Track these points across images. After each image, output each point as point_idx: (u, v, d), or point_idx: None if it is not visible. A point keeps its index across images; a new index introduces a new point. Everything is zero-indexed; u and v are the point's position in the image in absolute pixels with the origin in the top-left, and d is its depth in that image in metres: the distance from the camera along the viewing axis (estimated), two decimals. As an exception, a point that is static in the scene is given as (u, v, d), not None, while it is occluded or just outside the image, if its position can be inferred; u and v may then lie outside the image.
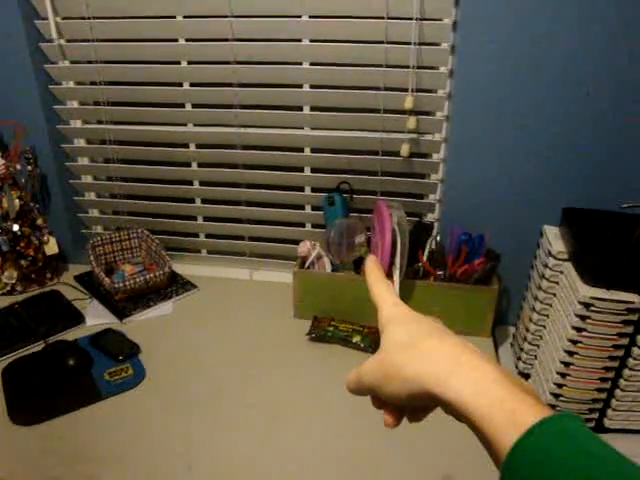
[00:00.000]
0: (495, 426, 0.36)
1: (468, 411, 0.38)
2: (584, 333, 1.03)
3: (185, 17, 1.34)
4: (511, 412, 0.36)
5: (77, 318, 1.35)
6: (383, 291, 0.52)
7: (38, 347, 1.25)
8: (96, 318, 1.36)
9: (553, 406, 1.09)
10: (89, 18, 1.34)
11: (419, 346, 0.43)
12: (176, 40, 1.37)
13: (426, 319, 0.47)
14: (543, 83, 1.18)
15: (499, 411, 0.36)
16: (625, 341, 1.02)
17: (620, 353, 1.03)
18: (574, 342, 1.04)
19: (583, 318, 1.02)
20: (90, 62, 1.41)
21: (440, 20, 1.23)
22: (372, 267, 0.54)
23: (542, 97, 1.19)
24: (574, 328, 1.03)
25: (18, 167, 1.42)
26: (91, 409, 1.09)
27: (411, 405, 0.46)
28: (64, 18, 1.38)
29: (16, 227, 1.41)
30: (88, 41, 1.37)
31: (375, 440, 1.02)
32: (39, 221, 1.47)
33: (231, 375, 1.18)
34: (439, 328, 0.45)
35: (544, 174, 1.26)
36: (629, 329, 1.01)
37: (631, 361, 1.02)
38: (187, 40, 1.37)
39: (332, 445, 1.02)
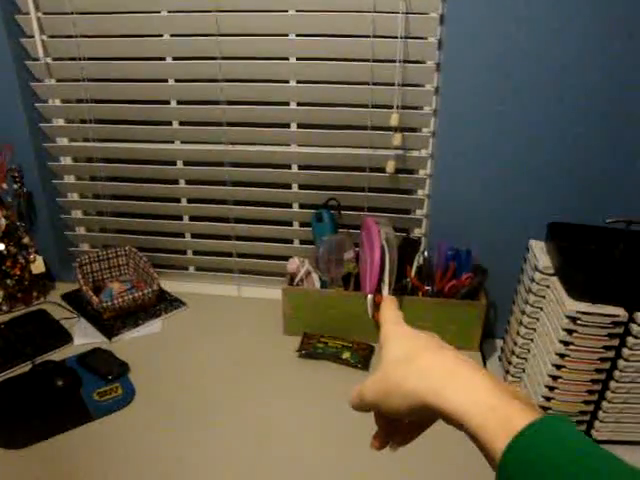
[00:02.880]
0: (489, 433, 0.38)
1: (463, 420, 0.40)
2: (571, 346, 1.04)
3: (172, 35, 1.35)
4: (502, 418, 0.38)
5: (65, 338, 1.34)
6: (387, 313, 0.54)
7: (25, 368, 1.23)
8: (84, 337, 1.35)
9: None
10: (76, 37, 1.34)
11: (415, 361, 0.45)
12: (163, 59, 1.38)
13: (423, 334, 0.49)
14: (529, 100, 1.20)
15: (491, 418, 0.38)
16: (611, 354, 1.04)
17: (607, 366, 1.05)
18: (561, 355, 1.05)
19: (570, 332, 1.03)
20: (76, 80, 1.41)
21: (425, 38, 1.25)
22: (390, 305, 0.56)
23: (528, 114, 1.22)
24: (561, 342, 1.04)
25: (4, 186, 1.42)
26: (81, 430, 1.08)
27: (411, 419, 0.49)
28: (51, 36, 1.38)
29: (2, 246, 1.40)
30: (75, 59, 1.38)
31: (367, 457, 1.02)
32: (25, 240, 1.46)
33: (221, 393, 1.18)
34: (435, 342, 0.48)
35: (530, 189, 1.29)
36: (615, 342, 1.02)
37: (617, 373, 1.04)
38: (174, 59, 1.38)
39: (323, 462, 1.02)
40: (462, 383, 0.41)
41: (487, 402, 0.39)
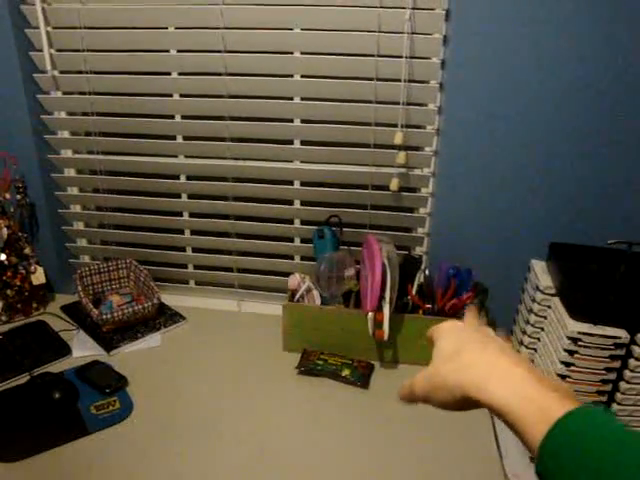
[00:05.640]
0: (528, 423, 0.40)
1: (504, 412, 0.42)
2: (572, 367, 1.04)
3: (179, 51, 1.36)
4: (541, 409, 0.40)
5: (63, 349, 1.33)
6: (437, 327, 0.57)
7: (23, 379, 1.22)
8: (83, 350, 1.34)
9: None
10: (83, 51, 1.36)
11: (461, 357, 0.48)
12: (169, 73, 1.39)
13: (472, 327, 0.53)
14: (531, 120, 1.21)
15: (530, 409, 0.40)
16: (613, 376, 1.03)
17: (608, 388, 1.05)
18: (563, 377, 1.05)
19: (571, 353, 1.03)
20: (82, 93, 1.42)
21: (429, 58, 1.26)
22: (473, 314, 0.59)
23: (530, 134, 1.23)
24: (563, 363, 1.04)
25: (7, 196, 1.42)
26: (77, 444, 1.06)
27: (457, 410, 0.51)
28: (59, 50, 1.39)
29: (3, 256, 1.40)
30: (81, 73, 1.39)
31: (366, 474, 1.01)
32: (27, 250, 1.45)
33: (220, 409, 1.17)
34: (479, 337, 0.51)
35: (531, 209, 1.29)
36: (617, 364, 1.02)
37: (619, 396, 1.04)
38: (180, 74, 1.39)
39: (322, 479, 1.01)
40: (503, 376, 0.44)
41: (526, 394, 0.41)
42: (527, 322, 1.20)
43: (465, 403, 0.46)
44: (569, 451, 0.36)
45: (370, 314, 1.21)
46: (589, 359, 1.03)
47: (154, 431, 1.10)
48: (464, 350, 0.48)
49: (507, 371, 0.44)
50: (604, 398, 1.05)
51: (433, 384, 0.49)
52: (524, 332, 1.21)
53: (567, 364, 1.04)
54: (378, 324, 1.21)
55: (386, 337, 1.21)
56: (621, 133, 1.19)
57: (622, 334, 1.00)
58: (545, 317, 1.16)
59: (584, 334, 1.01)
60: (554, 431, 0.38)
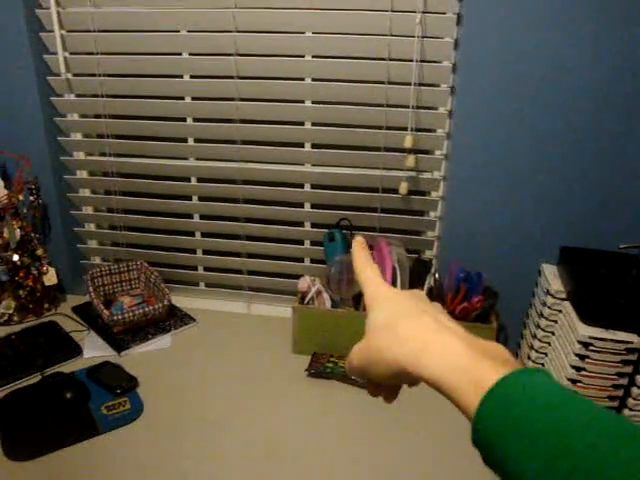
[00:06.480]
0: (463, 395, 0.39)
1: (439, 385, 0.41)
2: (583, 372, 1.03)
3: (191, 54, 1.37)
4: (474, 380, 0.39)
5: (74, 350, 1.34)
6: (369, 275, 0.53)
7: (34, 379, 1.24)
8: (94, 350, 1.35)
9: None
10: (97, 54, 1.37)
11: (396, 329, 0.46)
12: (181, 76, 1.40)
13: (404, 296, 0.50)
14: (542, 123, 1.21)
15: (464, 381, 0.39)
16: (624, 381, 1.03)
17: (620, 393, 1.04)
18: (574, 381, 1.04)
19: (582, 357, 1.02)
20: (95, 96, 1.43)
21: (440, 62, 1.26)
22: (359, 250, 0.56)
23: (541, 137, 1.22)
24: (573, 367, 1.04)
25: (21, 197, 1.43)
26: (88, 444, 1.07)
27: (395, 383, 0.51)
28: (72, 53, 1.41)
29: (16, 257, 1.41)
30: (94, 75, 1.40)
31: (376, 476, 1.01)
32: (39, 251, 1.47)
33: (229, 411, 1.17)
34: (412, 307, 0.48)
35: (542, 213, 1.29)
36: (628, 369, 1.01)
37: (631, 401, 1.03)
38: (192, 77, 1.40)
39: (332, 484, 1.01)
40: (437, 350, 0.42)
41: (459, 365, 0.40)
42: (538, 326, 1.19)
43: (401, 376, 0.45)
44: (500, 419, 0.36)
45: (380, 317, 1.21)
46: (600, 364, 1.02)
47: (164, 432, 1.11)
48: (398, 324, 0.46)
49: (440, 343, 0.43)
50: (615, 403, 1.05)
51: (369, 358, 0.47)
52: (534, 336, 1.20)
53: (578, 368, 1.03)
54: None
55: (396, 340, 1.20)
56: (634, 137, 1.18)
57: (634, 339, 1.00)
58: (556, 321, 1.16)
59: (595, 339, 1.01)
60: (485, 401, 0.37)
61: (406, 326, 0.46)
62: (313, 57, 1.32)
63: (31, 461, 1.02)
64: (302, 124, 1.40)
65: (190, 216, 1.56)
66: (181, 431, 1.11)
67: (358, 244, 0.57)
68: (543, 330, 1.18)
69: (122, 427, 1.11)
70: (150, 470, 1.02)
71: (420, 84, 1.26)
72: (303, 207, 1.49)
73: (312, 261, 1.55)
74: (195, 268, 1.64)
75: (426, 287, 1.31)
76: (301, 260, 1.56)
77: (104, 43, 1.37)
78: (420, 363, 0.42)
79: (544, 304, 1.18)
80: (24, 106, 1.42)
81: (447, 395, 0.41)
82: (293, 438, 1.11)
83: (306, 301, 1.36)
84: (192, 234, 1.59)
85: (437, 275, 1.33)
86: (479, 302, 1.26)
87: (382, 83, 1.29)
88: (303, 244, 1.53)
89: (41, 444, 1.06)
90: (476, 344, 0.42)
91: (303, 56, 1.32)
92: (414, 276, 1.30)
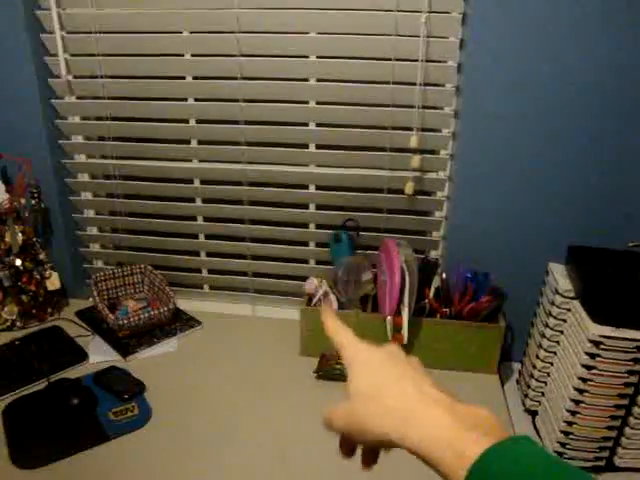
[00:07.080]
0: (448, 468, 0.40)
1: (423, 456, 0.42)
2: (594, 371, 1.03)
3: (193, 55, 1.36)
4: (458, 452, 0.40)
5: (80, 355, 1.33)
6: (344, 337, 0.54)
7: (40, 385, 1.22)
8: (99, 355, 1.34)
9: (564, 444, 1.09)
10: (98, 55, 1.36)
11: (380, 398, 0.47)
12: (184, 78, 1.39)
13: (381, 359, 0.50)
14: (548, 124, 1.21)
15: (448, 453, 0.40)
16: (635, 379, 1.03)
17: (630, 391, 1.04)
18: (584, 380, 1.04)
19: (593, 356, 1.02)
20: (96, 98, 1.42)
21: (445, 62, 1.26)
22: (328, 317, 0.56)
23: (547, 136, 1.22)
24: (584, 366, 1.03)
25: (22, 201, 1.42)
26: (97, 450, 1.06)
27: (380, 447, 0.51)
28: (73, 55, 1.39)
29: (18, 262, 1.40)
30: (96, 77, 1.39)
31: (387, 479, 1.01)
32: (41, 256, 1.45)
33: (237, 414, 1.17)
34: (397, 374, 0.49)
35: (549, 212, 1.29)
36: (639, 367, 1.01)
37: (642, 399, 1.03)
38: (194, 78, 1.39)
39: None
40: (419, 421, 0.43)
41: (444, 438, 0.41)
42: (546, 325, 1.19)
43: (387, 444, 0.46)
44: None
45: (389, 318, 1.21)
46: (611, 362, 1.02)
47: (172, 436, 1.10)
48: (382, 393, 0.47)
49: (424, 415, 0.43)
50: (626, 402, 1.05)
51: (353, 424, 0.48)
52: (543, 335, 1.20)
53: (589, 367, 1.03)
54: (397, 328, 1.21)
55: (405, 341, 1.20)
56: None
57: (645, 338, 1.00)
58: (565, 320, 1.15)
59: (606, 337, 1.00)
60: (468, 476, 0.38)
61: (390, 394, 0.46)
62: (318, 57, 1.31)
63: (39, 469, 1.01)
64: (307, 125, 1.39)
65: (194, 218, 1.55)
66: (190, 435, 1.11)
67: (325, 312, 0.57)
68: (552, 329, 1.18)
69: (131, 433, 1.11)
70: (159, 475, 1.01)
71: (425, 84, 1.26)
72: (308, 208, 1.49)
73: (317, 262, 1.54)
74: (199, 271, 1.63)
75: (433, 287, 1.31)
76: (306, 262, 1.55)
77: (105, 44, 1.36)
78: (405, 434, 0.43)
79: (552, 303, 1.17)
80: (25, 108, 1.40)
81: (431, 466, 0.41)
82: (302, 440, 1.10)
83: (313, 303, 1.36)
84: (196, 236, 1.58)
85: (444, 275, 1.33)
86: (487, 302, 1.26)
87: (387, 83, 1.28)
88: (308, 245, 1.53)
89: (49, 451, 1.05)
90: (460, 412, 0.43)
91: (307, 56, 1.32)
92: (421, 276, 1.29)
